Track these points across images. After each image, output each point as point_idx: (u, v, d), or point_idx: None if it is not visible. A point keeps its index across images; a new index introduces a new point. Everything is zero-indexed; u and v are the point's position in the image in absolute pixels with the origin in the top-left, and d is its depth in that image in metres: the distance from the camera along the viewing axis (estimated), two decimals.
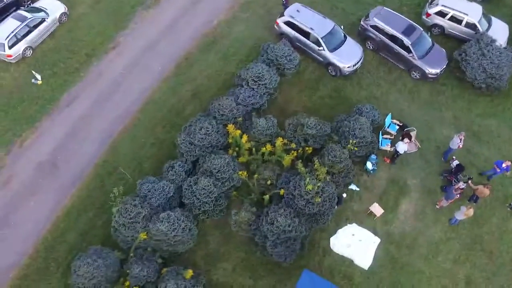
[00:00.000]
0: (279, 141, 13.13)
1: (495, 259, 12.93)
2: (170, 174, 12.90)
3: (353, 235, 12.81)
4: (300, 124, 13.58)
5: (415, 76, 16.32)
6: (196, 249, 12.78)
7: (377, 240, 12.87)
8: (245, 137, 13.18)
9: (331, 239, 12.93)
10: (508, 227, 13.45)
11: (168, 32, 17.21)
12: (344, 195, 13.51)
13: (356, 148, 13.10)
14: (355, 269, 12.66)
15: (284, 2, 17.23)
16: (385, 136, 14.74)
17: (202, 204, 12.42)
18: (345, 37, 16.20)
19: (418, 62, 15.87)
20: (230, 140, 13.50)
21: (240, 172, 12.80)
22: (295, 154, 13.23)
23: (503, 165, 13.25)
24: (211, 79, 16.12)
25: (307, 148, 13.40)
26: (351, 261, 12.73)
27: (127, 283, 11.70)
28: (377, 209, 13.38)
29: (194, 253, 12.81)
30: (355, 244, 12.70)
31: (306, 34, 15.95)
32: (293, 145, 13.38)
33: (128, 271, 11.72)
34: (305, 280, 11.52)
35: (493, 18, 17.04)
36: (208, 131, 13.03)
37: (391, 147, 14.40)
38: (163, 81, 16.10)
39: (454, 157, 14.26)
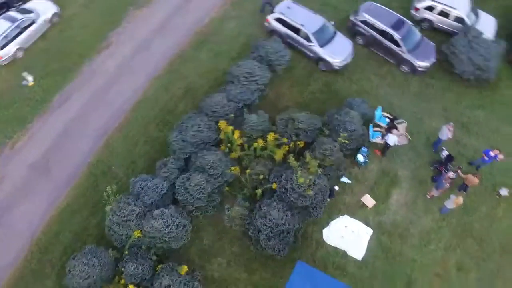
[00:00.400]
0: (271, 136, 13.23)
1: (485, 246, 13.12)
2: (163, 171, 12.95)
3: (345, 226, 12.95)
4: (291, 119, 13.69)
5: (405, 69, 16.50)
6: (190, 245, 12.82)
7: (369, 231, 13.03)
8: (237, 133, 13.26)
9: (324, 231, 13.05)
10: (497, 215, 13.67)
11: (160, 30, 17.28)
12: (336, 187, 13.66)
13: (347, 141, 13.23)
14: (348, 260, 12.78)
15: (269, 0, 17.29)
16: (375, 129, 14.90)
17: (195, 200, 12.48)
18: (335, 33, 16.35)
19: (407, 56, 16.06)
20: (222, 136, 13.59)
21: (232, 168, 12.88)
22: (287, 148, 13.34)
23: (491, 153, 13.47)
24: (203, 76, 16.20)
25: (298, 142, 13.52)
26: (344, 252, 12.86)
27: (122, 281, 11.72)
28: (368, 200, 13.53)
29: (188, 250, 12.85)
30: (348, 235, 12.85)
31: (296, 30, 16.08)
32: (285, 140, 13.49)
33: (123, 269, 11.73)
34: (299, 271, 11.63)
35: (480, 11, 17.27)
36: (199, 128, 13.11)
37: (381, 139, 14.57)
38: (156, 79, 16.16)
39: (443, 148, 14.47)
